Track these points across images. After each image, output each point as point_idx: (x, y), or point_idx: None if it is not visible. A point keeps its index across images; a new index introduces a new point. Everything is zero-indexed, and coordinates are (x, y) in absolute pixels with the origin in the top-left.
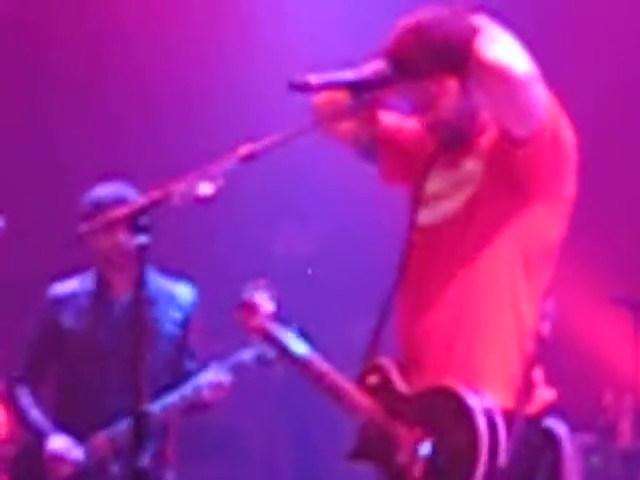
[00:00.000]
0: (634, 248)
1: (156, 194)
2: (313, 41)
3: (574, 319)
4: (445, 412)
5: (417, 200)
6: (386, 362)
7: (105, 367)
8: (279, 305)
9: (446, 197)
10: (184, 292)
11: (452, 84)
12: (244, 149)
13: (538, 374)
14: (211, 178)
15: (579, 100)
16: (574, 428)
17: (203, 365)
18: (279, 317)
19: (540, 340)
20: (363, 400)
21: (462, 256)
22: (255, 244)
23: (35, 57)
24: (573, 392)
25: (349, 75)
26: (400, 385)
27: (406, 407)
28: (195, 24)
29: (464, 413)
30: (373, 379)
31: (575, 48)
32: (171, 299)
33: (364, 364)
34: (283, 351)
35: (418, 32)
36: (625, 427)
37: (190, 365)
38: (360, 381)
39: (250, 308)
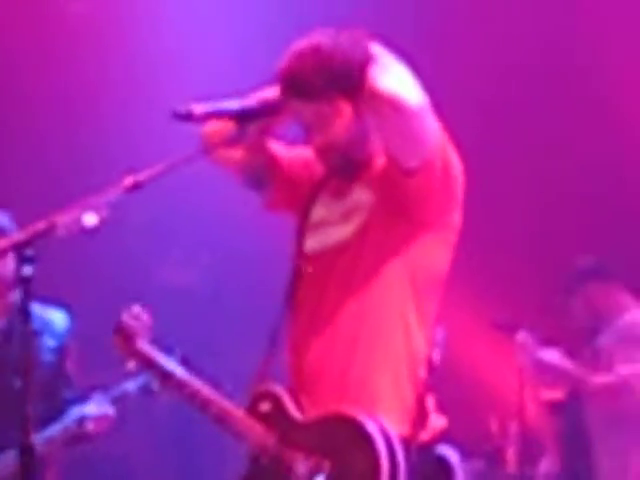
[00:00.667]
0: (515, 272)
1: (41, 225)
2: (201, 71)
3: (458, 345)
4: (344, 438)
5: (303, 227)
6: (277, 389)
7: None
8: (161, 333)
9: (334, 224)
10: (58, 318)
11: (345, 107)
12: (129, 179)
13: (430, 401)
14: (95, 209)
15: (461, 129)
16: (463, 455)
17: (82, 394)
18: (159, 344)
19: (432, 367)
20: (254, 427)
21: (353, 284)
22: (138, 273)
23: None
24: (460, 419)
25: (234, 104)
26: (293, 412)
27: (301, 434)
28: (79, 54)
29: (364, 439)
30: (264, 406)
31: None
32: (45, 325)
33: (253, 391)
34: (166, 377)
35: (318, 54)
36: (511, 453)
37: (68, 394)
38: (250, 408)
39: (128, 333)
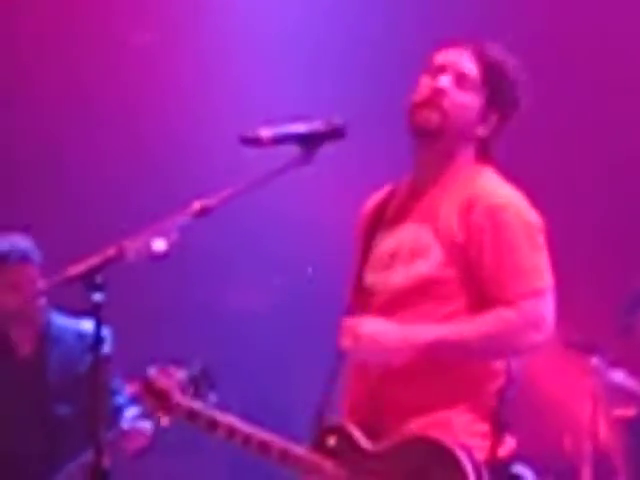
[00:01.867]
0: (588, 291)
1: (111, 251)
2: (265, 97)
3: (530, 364)
4: (431, 464)
5: (366, 257)
6: (343, 421)
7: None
8: (233, 357)
9: (404, 262)
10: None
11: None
12: (197, 204)
13: (505, 421)
14: (164, 234)
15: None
16: (537, 474)
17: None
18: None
19: (510, 385)
20: (323, 463)
21: (430, 308)
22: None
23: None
24: (534, 438)
25: (300, 128)
26: (364, 443)
27: (376, 463)
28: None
29: (453, 465)
30: (331, 440)
31: None
32: (81, 337)
33: (317, 425)
34: (212, 426)
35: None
36: (585, 473)
37: (119, 400)
38: (317, 444)
39: (161, 389)
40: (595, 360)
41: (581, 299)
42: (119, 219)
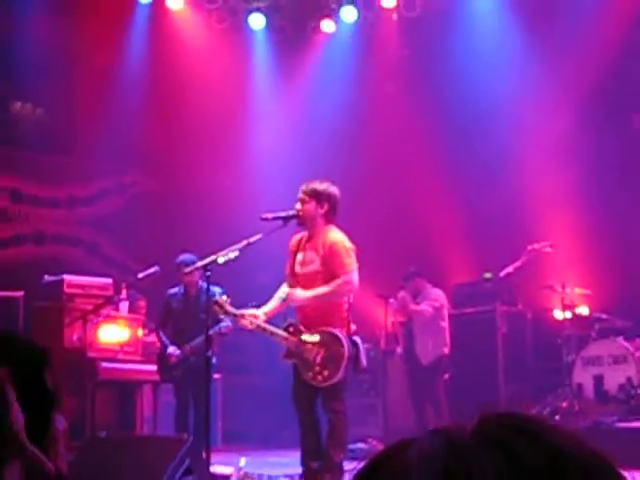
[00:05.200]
0: (382, 269)
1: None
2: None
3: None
4: (329, 340)
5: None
6: (293, 321)
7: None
8: None
9: (308, 263)
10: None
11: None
12: (245, 242)
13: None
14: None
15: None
16: (363, 340)
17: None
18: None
19: (350, 307)
20: (290, 338)
21: (317, 282)
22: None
23: None
24: (361, 326)
25: (282, 214)
26: (304, 330)
27: (309, 338)
28: None
29: (338, 339)
30: (291, 328)
31: None
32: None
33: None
34: (239, 318)
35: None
36: (384, 341)
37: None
38: (286, 329)
39: (220, 304)
40: (401, 294)
41: (379, 273)
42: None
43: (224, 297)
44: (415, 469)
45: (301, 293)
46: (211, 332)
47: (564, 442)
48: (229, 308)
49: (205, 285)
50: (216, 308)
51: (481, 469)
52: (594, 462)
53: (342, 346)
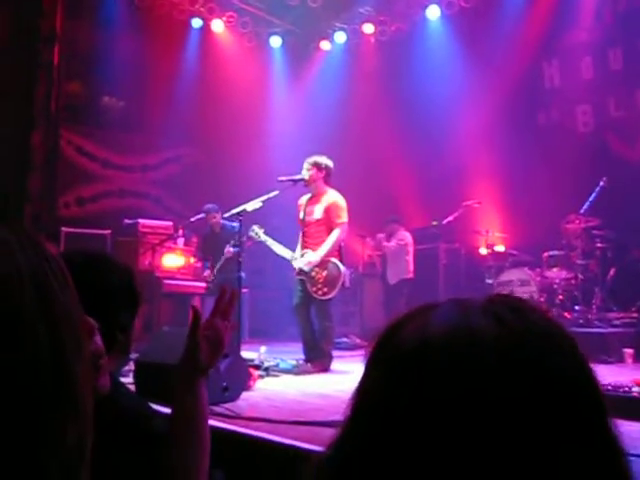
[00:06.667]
0: (368, 221)
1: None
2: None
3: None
4: (329, 264)
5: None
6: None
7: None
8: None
9: (313, 213)
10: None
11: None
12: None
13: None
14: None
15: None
16: (347, 266)
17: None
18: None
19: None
20: (296, 259)
21: (320, 227)
22: None
23: None
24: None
25: (293, 177)
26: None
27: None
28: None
29: (335, 264)
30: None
31: None
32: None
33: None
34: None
35: None
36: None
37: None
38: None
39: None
40: (378, 235)
41: (358, 217)
42: None
43: (259, 229)
44: (433, 324)
45: (313, 255)
46: (229, 255)
47: (539, 315)
48: (262, 235)
49: (227, 224)
50: (252, 235)
51: (480, 329)
52: (557, 330)
53: (339, 271)
